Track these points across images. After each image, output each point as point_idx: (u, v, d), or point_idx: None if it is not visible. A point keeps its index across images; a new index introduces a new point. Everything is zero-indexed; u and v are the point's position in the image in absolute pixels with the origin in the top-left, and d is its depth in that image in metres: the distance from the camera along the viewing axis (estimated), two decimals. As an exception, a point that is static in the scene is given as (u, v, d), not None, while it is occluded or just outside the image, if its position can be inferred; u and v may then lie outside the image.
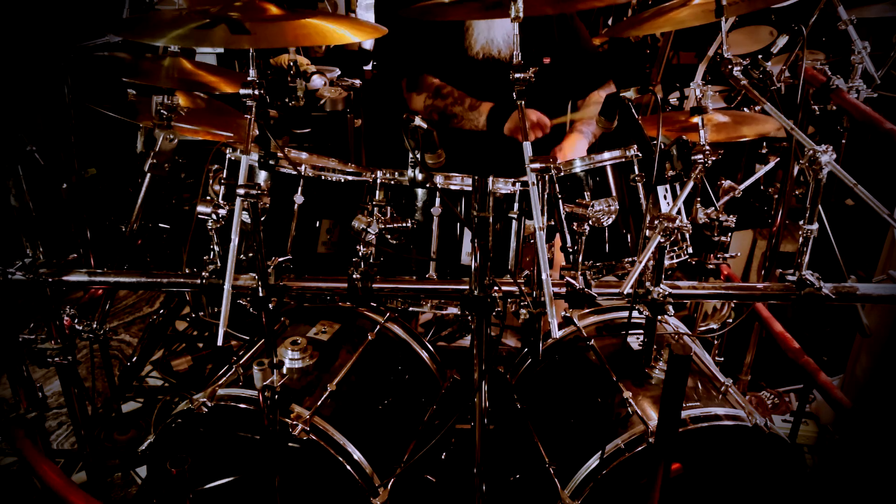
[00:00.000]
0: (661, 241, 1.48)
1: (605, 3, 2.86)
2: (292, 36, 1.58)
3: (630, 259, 1.86)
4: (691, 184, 1.62)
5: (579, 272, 1.52)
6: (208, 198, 1.78)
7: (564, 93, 2.56)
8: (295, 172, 1.81)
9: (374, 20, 4.04)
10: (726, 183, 1.90)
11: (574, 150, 2.40)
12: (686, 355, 1.27)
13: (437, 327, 3.26)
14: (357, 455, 1.68)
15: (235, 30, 1.45)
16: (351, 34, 1.62)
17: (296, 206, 1.82)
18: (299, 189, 1.81)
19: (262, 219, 1.45)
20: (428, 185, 1.79)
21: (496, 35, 2.44)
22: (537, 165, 1.30)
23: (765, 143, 2.71)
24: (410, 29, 2.53)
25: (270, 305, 1.52)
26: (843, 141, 2.39)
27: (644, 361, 1.90)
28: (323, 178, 1.84)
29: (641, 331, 2.02)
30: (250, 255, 1.81)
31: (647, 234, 1.58)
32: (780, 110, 1.61)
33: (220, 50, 3.63)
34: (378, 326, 2.11)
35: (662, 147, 1.66)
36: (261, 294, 1.51)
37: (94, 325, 1.83)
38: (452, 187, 1.81)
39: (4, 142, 1.57)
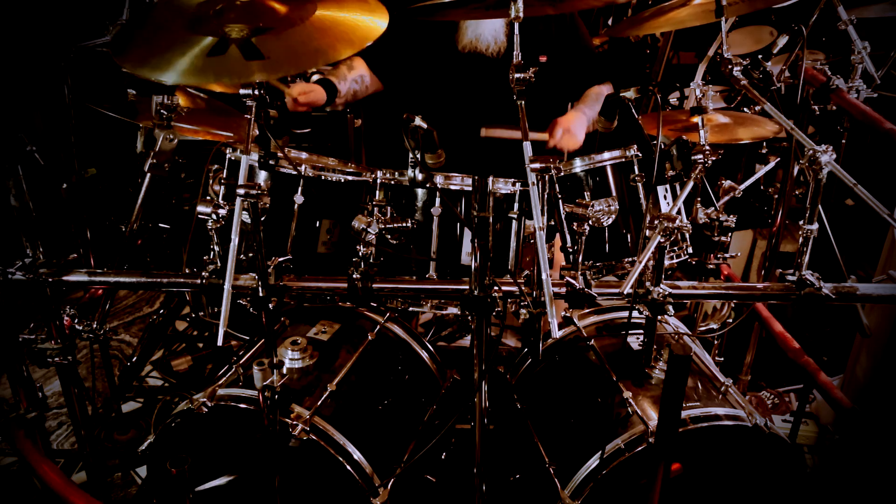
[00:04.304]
0: (661, 241, 1.48)
1: (605, 3, 2.86)
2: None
3: (630, 259, 1.86)
4: (691, 184, 1.62)
5: (579, 272, 1.52)
6: (208, 198, 1.78)
7: (562, 92, 2.55)
8: (295, 172, 1.81)
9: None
10: (726, 183, 1.90)
11: (573, 123, 2.35)
12: (686, 355, 1.27)
13: (437, 327, 3.26)
14: (357, 455, 1.68)
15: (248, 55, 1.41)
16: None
17: (296, 206, 1.82)
18: (299, 189, 1.81)
19: (262, 219, 1.45)
20: (428, 185, 1.79)
21: (484, 30, 2.41)
22: (537, 165, 1.30)
23: (765, 143, 2.71)
24: (406, 24, 2.53)
25: (270, 305, 1.52)
26: (843, 141, 2.39)
27: (644, 361, 1.90)
28: (323, 178, 1.84)
29: (641, 331, 2.02)
30: (250, 255, 1.81)
31: (647, 234, 1.58)
32: (780, 110, 1.61)
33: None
34: (378, 326, 2.11)
35: (662, 147, 1.66)
36: (261, 294, 1.51)
37: (94, 325, 1.82)
38: (452, 187, 1.81)
39: (4, 142, 1.57)
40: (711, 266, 1.87)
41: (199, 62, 1.36)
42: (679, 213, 1.67)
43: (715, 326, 2.46)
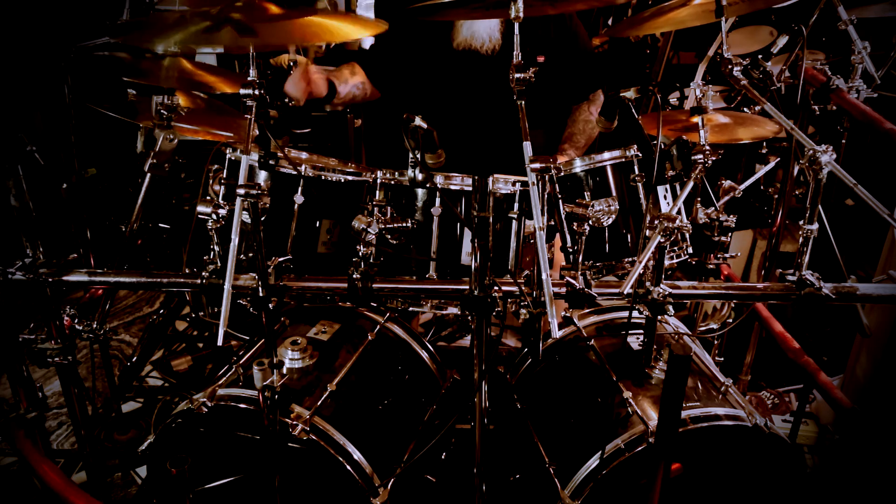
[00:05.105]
0: (661, 241, 1.48)
1: (605, 3, 2.86)
2: (298, 34, 1.58)
3: (630, 259, 1.86)
4: (691, 184, 1.62)
5: (579, 272, 1.51)
6: (208, 198, 1.78)
7: (559, 93, 2.55)
8: (295, 172, 1.81)
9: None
10: (726, 183, 1.90)
11: None
12: (686, 355, 1.27)
13: (437, 327, 3.26)
14: (357, 455, 1.68)
15: (242, 31, 1.44)
16: (353, 30, 1.62)
17: (296, 206, 1.82)
18: (299, 189, 1.81)
19: (262, 219, 1.45)
20: (428, 185, 1.79)
21: (479, 28, 2.42)
22: (537, 165, 1.30)
23: (765, 143, 2.71)
24: (405, 23, 2.52)
25: (270, 305, 1.52)
26: (843, 141, 2.39)
27: (644, 361, 1.90)
28: (323, 178, 1.84)
29: (641, 331, 2.02)
30: (250, 255, 1.81)
31: (647, 234, 1.58)
32: (780, 110, 1.61)
33: (220, 49, 3.62)
34: (378, 326, 2.11)
35: (662, 147, 1.66)
36: (261, 294, 1.51)
37: (94, 325, 1.82)
38: (452, 187, 1.81)
39: (4, 142, 1.57)
40: (711, 266, 1.87)
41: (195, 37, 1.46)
42: (679, 213, 1.67)
43: (715, 326, 2.46)
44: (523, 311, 1.46)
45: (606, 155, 1.84)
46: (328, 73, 2.52)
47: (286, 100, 2.38)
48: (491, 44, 2.42)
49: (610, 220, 1.71)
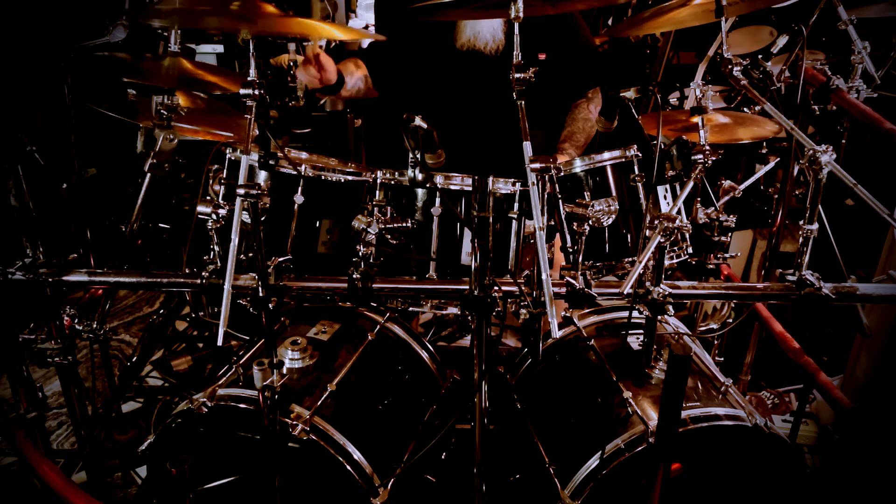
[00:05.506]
0: (661, 241, 1.48)
1: (605, 3, 2.85)
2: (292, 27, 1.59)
3: (630, 259, 1.86)
4: (691, 184, 1.62)
5: (579, 272, 1.52)
6: (208, 198, 1.78)
7: (561, 90, 2.55)
8: (295, 172, 1.81)
9: (375, 20, 4.05)
10: (726, 183, 1.90)
11: None
12: (686, 355, 1.27)
13: (437, 327, 3.26)
14: (357, 455, 1.68)
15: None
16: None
17: (296, 206, 1.82)
18: (299, 189, 1.81)
19: (262, 219, 1.45)
20: (428, 185, 1.79)
21: (482, 28, 2.41)
22: (537, 165, 1.30)
23: (765, 143, 2.71)
24: (406, 23, 2.52)
25: (270, 305, 1.52)
26: (843, 141, 2.39)
27: (644, 361, 1.90)
28: (323, 178, 1.84)
29: (641, 331, 2.02)
30: (250, 255, 1.81)
31: (647, 234, 1.58)
32: (780, 110, 1.61)
33: (220, 49, 3.63)
34: (378, 326, 2.11)
35: (662, 147, 1.66)
36: (261, 294, 1.51)
37: (94, 325, 1.82)
38: (452, 187, 1.81)
39: (4, 142, 1.57)
40: (711, 266, 1.87)
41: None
42: (679, 213, 1.67)
43: (715, 326, 2.46)
44: (523, 311, 1.46)
45: (606, 155, 1.84)
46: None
47: (288, 98, 2.38)
48: (494, 44, 2.42)
49: (610, 220, 1.71)
